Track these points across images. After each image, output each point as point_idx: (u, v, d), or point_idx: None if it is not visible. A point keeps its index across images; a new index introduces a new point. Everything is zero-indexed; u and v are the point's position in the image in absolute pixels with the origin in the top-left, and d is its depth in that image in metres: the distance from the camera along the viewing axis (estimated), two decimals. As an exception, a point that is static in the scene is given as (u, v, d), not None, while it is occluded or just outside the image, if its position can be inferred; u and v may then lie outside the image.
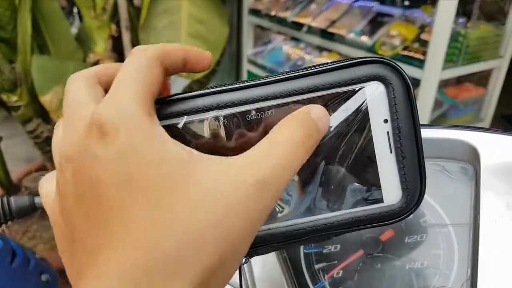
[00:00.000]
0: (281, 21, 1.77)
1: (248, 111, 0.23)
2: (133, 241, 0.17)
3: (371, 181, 0.24)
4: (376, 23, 1.45)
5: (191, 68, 0.24)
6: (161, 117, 0.23)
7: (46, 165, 1.53)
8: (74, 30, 1.66)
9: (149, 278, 0.16)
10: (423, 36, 1.29)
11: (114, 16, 1.38)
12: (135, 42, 1.40)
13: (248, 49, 2.00)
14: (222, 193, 0.18)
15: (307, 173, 0.24)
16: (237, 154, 0.22)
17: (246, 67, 2.02)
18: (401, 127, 0.24)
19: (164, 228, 0.17)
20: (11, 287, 0.81)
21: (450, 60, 1.26)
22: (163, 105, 0.23)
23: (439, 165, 0.34)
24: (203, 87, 1.53)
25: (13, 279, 0.81)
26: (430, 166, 0.34)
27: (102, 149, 0.18)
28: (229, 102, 0.23)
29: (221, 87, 0.24)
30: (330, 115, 0.23)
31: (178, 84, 1.75)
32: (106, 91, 0.22)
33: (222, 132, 0.23)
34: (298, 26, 1.68)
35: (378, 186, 0.24)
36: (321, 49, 1.69)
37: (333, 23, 1.56)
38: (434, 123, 1.37)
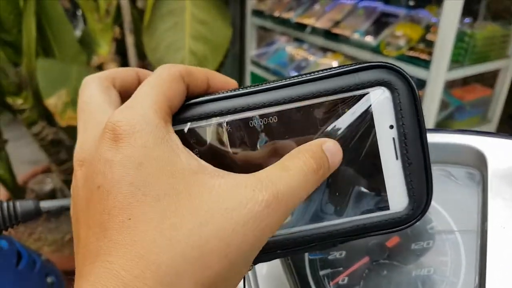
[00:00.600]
0: (285, 22, 1.76)
1: (252, 117, 0.23)
2: (136, 252, 0.16)
3: (377, 188, 0.24)
4: (380, 23, 1.44)
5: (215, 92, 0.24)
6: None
7: (51, 167, 1.54)
8: (78, 33, 1.67)
9: None
10: (429, 37, 1.28)
11: (118, 18, 1.38)
12: (138, 45, 1.41)
13: (251, 50, 2.00)
14: (231, 208, 0.18)
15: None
16: (241, 163, 0.22)
17: (249, 68, 2.02)
18: (407, 133, 0.23)
19: (170, 240, 0.17)
20: (16, 289, 0.81)
21: (456, 60, 1.25)
22: None
23: (446, 170, 0.34)
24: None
25: (18, 281, 0.82)
26: (436, 172, 0.34)
27: (115, 154, 0.17)
28: (232, 108, 0.23)
29: (225, 93, 0.23)
30: (334, 121, 0.23)
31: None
32: (120, 94, 0.23)
33: (226, 139, 0.23)
34: (301, 27, 1.68)
35: (384, 193, 0.24)
36: (325, 50, 1.69)
37: (337, 23, 1.55)
38: (440, 126, 1.36)
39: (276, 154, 0.23)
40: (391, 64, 0.23)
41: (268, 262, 0.32)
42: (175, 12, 1.28)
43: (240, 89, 0.23)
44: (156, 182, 0.17)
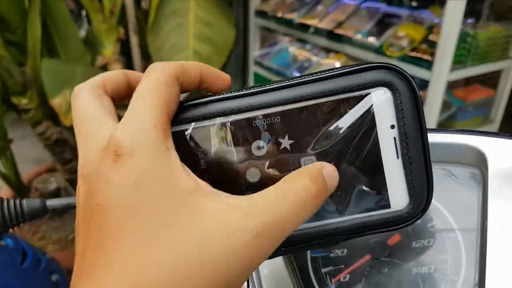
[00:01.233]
0: (288, 23, 1.77)
1: (255, 117, 0.24)
2: (127, 270, 0.17)
3: (378, 187, 0.24)
4: (383, 24, 1.44)
5: (208, 88, 0.24)
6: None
7: (56, 166, 1.55)
8: (82, 33, 1.68)
9: None
10: (431, 37, 1.28)
11: (122, 19, 1.39)
12: (143, 45, 1.41)
13: (254, 50, 2.01)
14: (221, 235, 0.18)
15: (314, 179, 0.24)
16: (241, 169, 0.22)
17: (252, 68, 2.02)
18: (407, 132, 0.24)
19: (160, 262, 0.17)
20: (21, 287, 0.82)
21: (458, 61, 1.25)
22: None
23: (447, 170, 0.34)
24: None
25: (23, 279, 0.82)
26: (437, 171, 0.34)
27: (114, 173, 0.18)
28: (235, 108, 0.23)
29: (228, 93, 0.24)
30: (336, 121, 0.24)
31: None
32: (113, 99, 0.22)
33: (229, 139, 0.24)
34: (304, 27, 1.68)
35: (385, 191, 0.24)
36: (328, 50, 1.69)
37: (340, 24, 1.55)
38: (442, 126, 1.36)
39: (277, 167, 0.23)
40: (392, 64, 0.24)
41: (271, 260, 0.32)
42: (179, 13, 1.29)
43: (244, 90, 0.24)
44: (151, 203, 0.18)
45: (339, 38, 1.53)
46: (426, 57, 1.25)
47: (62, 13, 1.37)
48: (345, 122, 0.24)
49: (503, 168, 0.31)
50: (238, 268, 0.18)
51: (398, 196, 0.24)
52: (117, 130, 0.19)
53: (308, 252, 0.34)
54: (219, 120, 0.23)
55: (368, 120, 0.24)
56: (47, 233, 1.43)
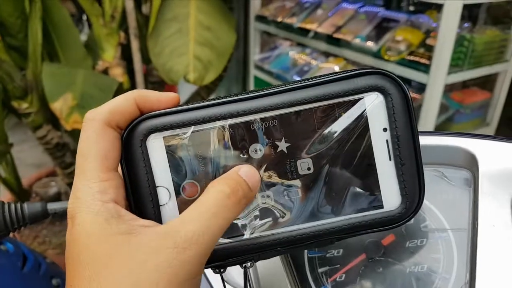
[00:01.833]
0: (288, 27, 1.78)
1: (253, 121, 0.24)
2: None
3: (371, 188, 0.25)
4: (381, 28, 1.45)
5: (148, 111, 0.25)
6: (167, 127, 0.24)
7: (56, 170, 1.55)
8: (83, 37, 1.69)
9: None
10: (429, 41, 1.29)
11: (123, 23, 1.40)
12: (143, 49, 1.42)
13: (255, 54, 2.02)
14: (149, 264, 0.20)
15: (309, 180, 0.25)
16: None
17: (253, 72, 2.03)
18: (399, 135, 0.25)
19: None
20: (22, 291, 0.82)
21: (455, 64, 1.26)
22: (169, 115, 0.24)
23: (439, 171, 0.35)
24: (210, 93, 1.54)
25: (24, 283, 0.83)
26: (430, 173, 0.35)
27: (68, 232, 0.22)
28: (234, 112, 0.24)
29: (227, 98, 0.25)
30: (331, 124, 0.25)
31: (185, 89, 1.77)
32: (119, 128, 0.24)
33: (228, 142, 0.24)
34: (304, 32, 1.69)
35: (378, 192, 0.25)
36: (327, 54, 1.70)
37: (339, 28, 1.57)
38: (440, 129, 1.37)
39: (274, 169, 0.25)
40: (384, 70, 0.25)
41: (269, 260, 0.33)
42: (179, 18, 1.30)
43: (242, 94, 0.25)
44: (87, 252, 0.21)
45: (338, 42, 1.54)
46: (423, 60, 1.26)
47: (63, 17, 1.38)
48: (339, 125, 0.25)
49: (493, 169, 0.32)
50: (171, 285, 0.20)
51: (391, 196, 0.25)
52: (70, 199, 0.23)
53: (305, 252, 0.35)
54: (218, 123, 0.24)
55: (361, 123, 0.25)
56: (48, 237, 1.43)
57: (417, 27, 1.37)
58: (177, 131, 0.24)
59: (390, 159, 0.25)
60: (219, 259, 0.25)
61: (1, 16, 1.25)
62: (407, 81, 1.32)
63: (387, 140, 0.25)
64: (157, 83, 1.48)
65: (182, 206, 0.25)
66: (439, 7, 1.22)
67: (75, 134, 1.43)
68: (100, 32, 1.35)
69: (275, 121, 0.24)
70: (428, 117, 1.26)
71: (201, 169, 0.25)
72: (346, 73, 0.25)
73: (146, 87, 1.48)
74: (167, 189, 0.25)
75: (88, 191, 0.22)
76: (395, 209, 0.25)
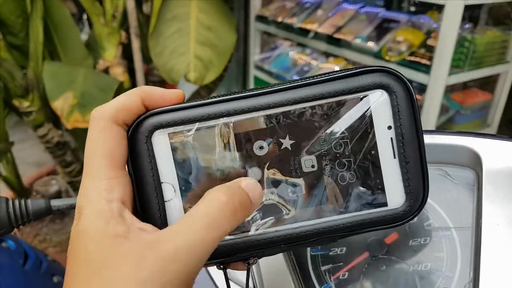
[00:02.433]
0: (288, 27, 1.78)
1: (257, 118, 0.24)
2: None
3: (376, 185, 0.25)
4: (382, 29, 1.45)
5: (153, 107, 0.25)
6: (172, 123, 0.24)
7: (57, 169, 1.55)
8: (84, 36, 1.69)
9: None
10: (430, 42, 1.30)
11: (124, 23, 1.40)
12: (144, 49, 1.42)
13: (255, 55, 2.02)
14: (131, 275, 0.19)
15: (313, 178, 0.25)
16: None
17: (253, 72, 2.03)
18: (404, 133, 0.25)
19: None
20: (23, 289, 0.82)
21: (456, 65, 1.26)
22: (174, 112, 0.24)
23: (443, 170, 0.35)
24: (211, 92, 1.54)
25: (25, 281, 0.83)
26: (433, 171, 0.35)
27: (73, 227, 0.22)
28: (238, 109, 0.24)
29: (230, 95, 0.25)
30: (335, 122, 0.25)
31: (185, 89, 1.77)
32: (126, 125, 0.24)
33: (232, 139, 0.25)
34: (304, 32, 1.70)
35: (382, 190, 0.25)
36: (327, 54, 1.70)
37: (339, 29, 1.57)
38: (440, 129, 1.37)
39: (277, 167, 0.25)
40: (389, 68, 0.25)
41: (272, 258, 0.33)
42: (180, 18, 1.30)
43: (247, 91, 0.25)
44: (85, 251, 0.20)
45: (338, 43, 1.55)
46: (424, 61, 1.26)
47: (64, 17, 1.38)
48: (344, 123, 0.25)
49: (497, 168, 0.32)
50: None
51: (395, 194, 0.25)
52: (79, 195, 0.23)
53: (308, 250, 0.35)
54: (222, 120, 0.24)
55: (366, 121, 0.25)
56: (48, 235, 1.43)
57: (418, 27, 1.37)
58: (182, 127, 0.24)
59: (394, 157, 0.25)
60: (222, 256, 0.25)
61: (3, 15, 1.25)
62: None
63: (391, 138, 0.25)
64: (157, 83, 1.48)
65: (187, 202, 0.25)
66: (440, 8, 1.23)
67: (75, 133, 1.43)
68: (101, 31, 1.35)
69: (279, 119, 0.24)
70: (429, 118, 1.27)
71: (206, 165, 0.25)
72: (351, 70, 0.25)
73: (147, 87, 1.47)
74: (172, 185, 0.25)
75: (95, 189, 0.22)
76: (399, 207, 0.25)
